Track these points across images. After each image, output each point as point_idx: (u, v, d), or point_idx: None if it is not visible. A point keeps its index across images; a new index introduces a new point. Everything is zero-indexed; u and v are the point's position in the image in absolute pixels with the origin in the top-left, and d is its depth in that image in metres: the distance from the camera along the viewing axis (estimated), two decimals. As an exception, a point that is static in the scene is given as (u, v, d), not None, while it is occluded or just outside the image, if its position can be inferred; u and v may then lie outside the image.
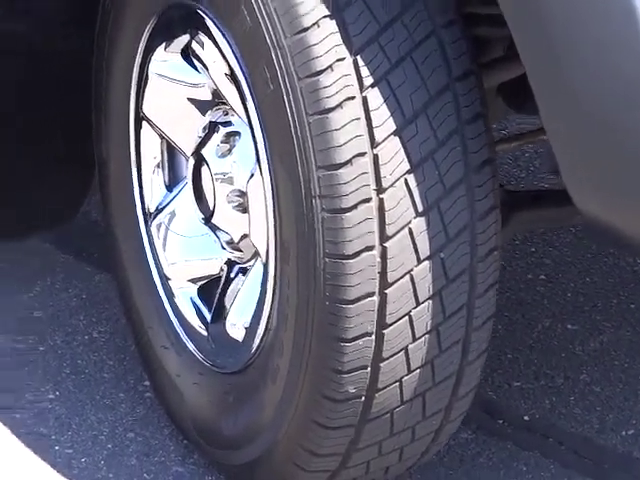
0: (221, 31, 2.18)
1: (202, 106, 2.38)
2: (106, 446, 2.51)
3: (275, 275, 2.19)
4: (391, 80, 1.93)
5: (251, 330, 2.28)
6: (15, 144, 2.58)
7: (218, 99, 2.32)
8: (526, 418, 2.57)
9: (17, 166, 2.59)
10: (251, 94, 2.11)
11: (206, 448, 2.48)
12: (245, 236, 2.30)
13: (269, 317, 2.23)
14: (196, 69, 2.37)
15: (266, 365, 2.23)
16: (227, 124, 2.32)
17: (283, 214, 2.08)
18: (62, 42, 2.55)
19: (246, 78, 2.12)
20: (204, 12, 2.22)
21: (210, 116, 2.35)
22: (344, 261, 1.96)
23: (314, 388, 2.12)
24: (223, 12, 2.13)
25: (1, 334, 2.69)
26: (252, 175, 2.21)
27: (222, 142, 2.33)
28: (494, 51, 2.30)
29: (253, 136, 2.17)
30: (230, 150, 2.32)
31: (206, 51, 2.28)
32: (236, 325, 2.34)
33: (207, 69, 2.31)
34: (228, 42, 2.16)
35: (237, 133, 2.31)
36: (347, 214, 1.96)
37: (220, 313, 2.40)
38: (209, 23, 2.23)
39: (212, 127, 2.35)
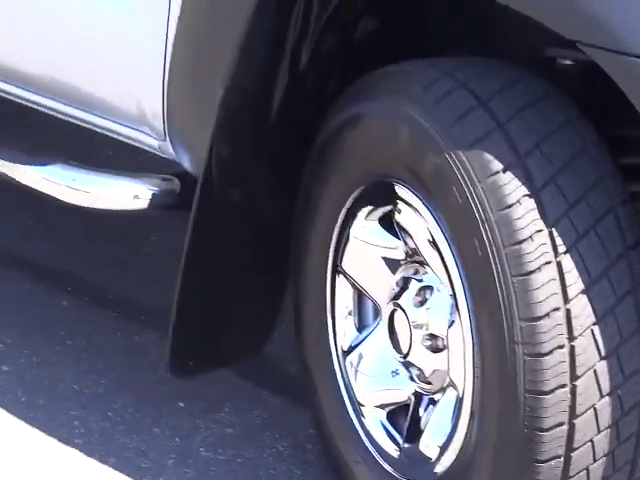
0: (426, 206, 2.21)
1: (394, 264, 2.41)
2: (307, 543, 2.34)
3: (472, 406, 2.20)
4: (579, 248, 2.00)
5: (445, 449, 2.28)
6: (213, 284, 2.66)
7: (410, 258, 2.36)
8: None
9: (212, 305, 2.66)
10: (454, 258, 2.17)
11: None
12: (436, 371, 2.32)
13: (464, 439, 2.22)
14: (392, 234, 2.40)
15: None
16: (420, 280, 2.35)
17: (485, 357, 2.12)
18: (266, 205, 2.65)
19: (450, 245, 2.17)
20: (411, 190, 2.27)
21: (402, 272, 2.38)
22: (541, 396, 2.01)
23: (508, 502, 2.05)
24: (432, 191, 2.18)
25: (203, 447, 2.74)
26: (452, 323, 2.24)
27: (415, 295, 2.35)
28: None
29: (452, 291, 2.22)
30: (423, 302, 2.34)
31: (407, 221, 2.32)
32: (429, 446, 2.32)
33: (409, 235, 2.34)
34: (432, 215, 2.21)
35: (430, 287, 2.33)
36: (545, 358, 2.01)
37: (412, 435, 2.40)
38: (412, 198, 2.27)
39: (405, 282, 2.37)
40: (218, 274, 2.61)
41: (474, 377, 2.19)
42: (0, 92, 3.10)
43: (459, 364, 2.25)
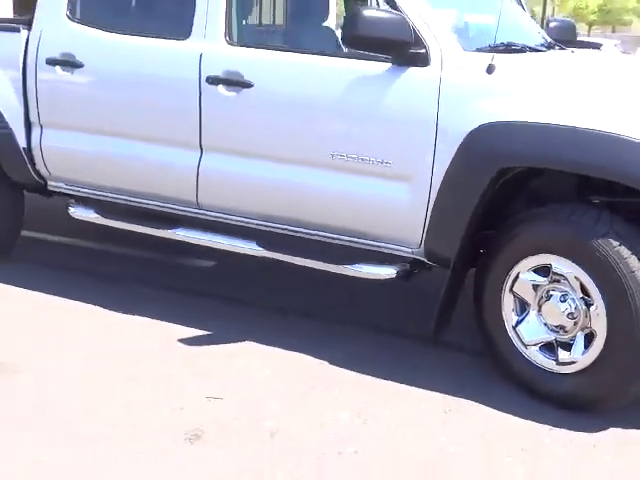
0: (577, 264, 2.50)
1: (537, 287, 2.65)
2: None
3: (606, 339, 2.46)
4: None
5: (583, 359, 2.57)
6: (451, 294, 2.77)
7: (550, 284, 2.61)
8: None
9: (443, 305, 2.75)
10: (595, 283, 2.47)
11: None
12: (571, 328, 2.58)
13: (600, 352, 2.50)
14: (540, 275, 2.64)
15: (596, 367, 2.53)
16: (557, 291, 2.60)
17: (623, 327, 2.42)
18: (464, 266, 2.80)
19: (592, 278, 2.47)
20: (566, 257, 2.52)
21: (545, 290, 2.65)
22: None
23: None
24: (583, 258, 2.48)
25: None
26: (589, 305, 2.51)
27: (560, 297, 2.62)
28: None
29: (586, 295, 2.51)
30: (564, 300, 2.60)
31: (560, 269, 2.56)
32: (574, 357, 2.59)
33: (562, 276, 2.57)
34: (580, 267, 2.49)
35: (566, 294, 2.59)
36: None
37: (562, 354, 2.62)
38: (566, 261, 2.53)
39: (548, 293, 2.63)
40: (452, 290, 2.80)
41: (607, 330, 2.48)
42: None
43: (597, 322, 2.53)
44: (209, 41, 3.10)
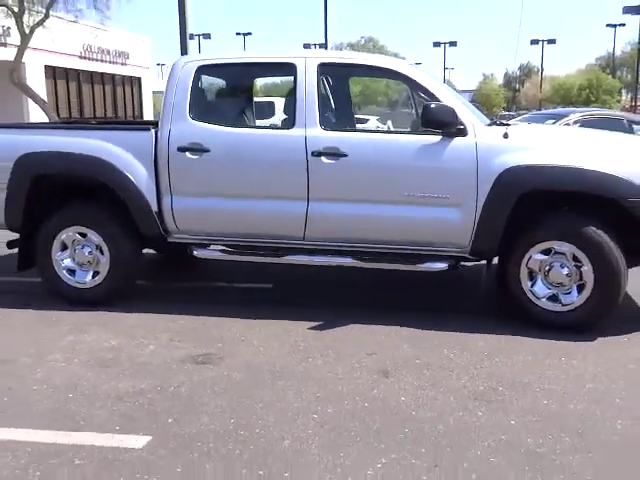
0: (573, 244, 3.49)
1: (542, 261, 3.66)
2: None
3: (592, 287, 3.48)
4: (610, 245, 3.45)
5: (579, 299, 3.58)
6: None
7: (551, 258, 3.58)
8: None
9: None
10: (586, 256, 3.47)
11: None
12: (567, 283, 3.55)
13: (589, 295, 3.52)
14: (544, 254, 3.62)
15: (587, 303, 3.53)
16: (556, 262, 3.60)
17: (603, 276, 3.44)
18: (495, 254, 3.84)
19: (584, 252, 3.48)
20: (567, 242, 3.50)
21: (549, 262, 3.63)
22: (620, 278, 3.43)
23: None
24: (584, 243, 3.46)
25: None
26: (581, 266, 3.55)
27: (560, 266, 3.60)
28: None
29: (579, 263, 3.50)
30: (562, 267, 3.59)
31: (560, 250, 3.56)
32: (573, 300, 3.59)
33: (562, 254, 3.55)
34: (576, 247, 3.48)
35: (563, 264, 3.58)
36: (617, 274, 3.42)
37: (562, 298, 3.64)
38: (564, 244, 3.50)
39: (550, 264, 3.60)
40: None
41: (594, 279, 3.51)
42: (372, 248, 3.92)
43: (587, 276, 3.56)
44: (309, 128, 3.91)
